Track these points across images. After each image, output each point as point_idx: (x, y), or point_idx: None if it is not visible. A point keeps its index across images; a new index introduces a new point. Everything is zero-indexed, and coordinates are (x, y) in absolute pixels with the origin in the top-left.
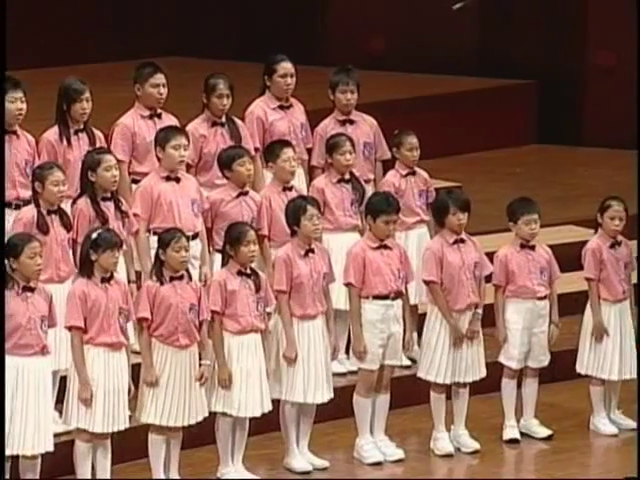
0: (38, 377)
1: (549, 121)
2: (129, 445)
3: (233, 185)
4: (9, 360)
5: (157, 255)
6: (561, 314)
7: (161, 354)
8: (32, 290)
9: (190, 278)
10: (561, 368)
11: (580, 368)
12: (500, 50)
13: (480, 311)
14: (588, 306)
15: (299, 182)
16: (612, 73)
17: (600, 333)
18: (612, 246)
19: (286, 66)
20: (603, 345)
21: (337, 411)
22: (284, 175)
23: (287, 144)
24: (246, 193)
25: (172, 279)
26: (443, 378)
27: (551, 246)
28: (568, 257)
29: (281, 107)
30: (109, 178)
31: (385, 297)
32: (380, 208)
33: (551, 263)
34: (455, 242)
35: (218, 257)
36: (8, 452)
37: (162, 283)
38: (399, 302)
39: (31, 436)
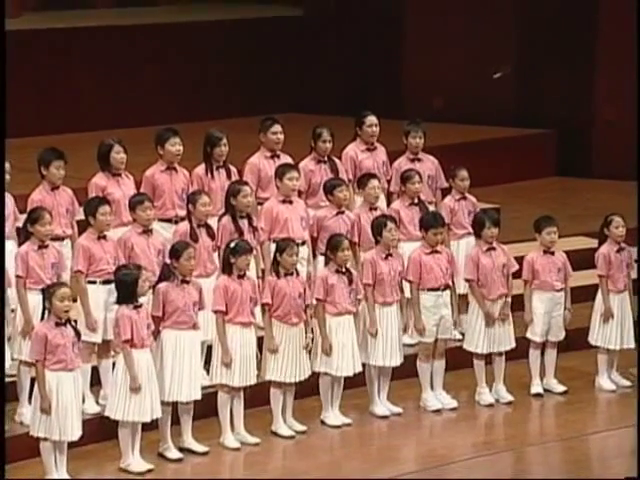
0: (191, 345)
1: (566, 159)
2: (256, 396)
3: (334, 206)
4: (169, 332)
5: (275, 258)
6: (573, 302)
7: (279, 330)
8: (187, 282)
9: (298, 274)
10: (573, 341)
11: (592, 340)
12: (529, 107)
13: (509, 299)
14: (598, 294)
15: (381, 204)
16: (613, 124)
17: (608, 316)
18: (618, 251)
19: (372, 119)
20: (609, 324)
21: (408, 372)
22: (370, 199)
23: (373, 176)
24: (343, 212)
25: (286, 275)
26: (481, 349)
27: (566, 252)
28: (579, 260)
29: (368, 149)
30: (245, 203)
31: (436, 289)
32: (430, 224)
33: (566, 264)
34: (488, 249)
35: (321, 259)
36: (170, 399)
37: (279, 278)
38: (447, 292)
39: (187, 387)
